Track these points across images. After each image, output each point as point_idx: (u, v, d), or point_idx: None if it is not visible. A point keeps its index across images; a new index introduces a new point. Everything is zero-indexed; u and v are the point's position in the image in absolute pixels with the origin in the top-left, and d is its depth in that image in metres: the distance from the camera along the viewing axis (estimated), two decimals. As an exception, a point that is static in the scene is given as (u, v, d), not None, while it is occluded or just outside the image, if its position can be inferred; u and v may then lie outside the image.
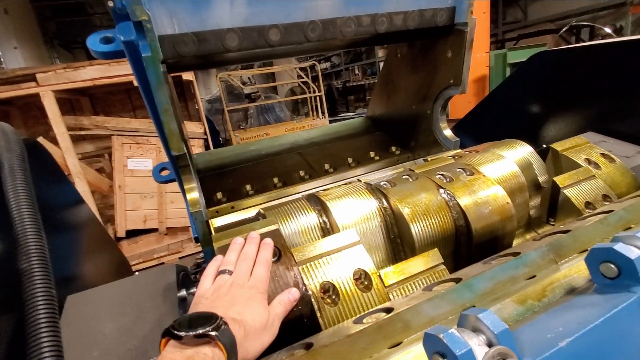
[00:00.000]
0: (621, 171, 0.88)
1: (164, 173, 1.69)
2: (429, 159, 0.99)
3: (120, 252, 1.43)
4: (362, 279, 0.57)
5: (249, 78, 9.39)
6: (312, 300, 0.53)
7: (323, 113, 6.16)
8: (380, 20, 1.07)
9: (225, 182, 1.44)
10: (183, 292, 0.70)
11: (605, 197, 0.81)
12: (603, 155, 0.92)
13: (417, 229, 0.69)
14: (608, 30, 6.07)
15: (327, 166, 1.46)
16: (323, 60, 12.34)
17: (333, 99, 11.52)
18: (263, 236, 0.63)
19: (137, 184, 4.05)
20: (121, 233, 4.01)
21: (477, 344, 0.33)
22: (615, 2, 6.54)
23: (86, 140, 4.19)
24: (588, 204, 0.79)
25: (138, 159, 4.05)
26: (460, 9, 1.18)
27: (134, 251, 4.06)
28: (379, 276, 0.57)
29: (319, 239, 0.73)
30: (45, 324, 0.46)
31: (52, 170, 1.11)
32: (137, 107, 4.51)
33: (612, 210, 0.64)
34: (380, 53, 9.74)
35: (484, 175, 0.81)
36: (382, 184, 0.79)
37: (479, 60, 5.32)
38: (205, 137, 4.12)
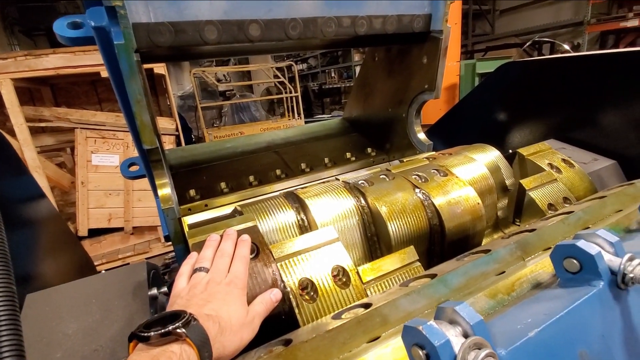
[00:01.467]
0: (580, 176, 0.94)
1: (133, 168, 1.62)
2: (404, 160, 1.02)
3: (84, 251, 1.36)
4: (341, 275, 0.57)
5: (224, 75, 9.21)
6: (291, 296, 0.52)
7: (299, 114, 6.15)
8: (360, 22, 1.09)
9: (198, 179, 1.40)
10: (154, 291, 0.67)
11: (566, 200, 0.86)
12: (564, 160, 0.98)
13: (394, 228, 0.70)
14: (566, 46, 6.51)
15: (303, 165, 1.45)
16: (300, 62, 12.33)
17: (309, 101, 11.54)
18: (240, 233, 0.62)
19: (101, 180, 3.84)
20: (83, 232, 3.78)
21: (454, 335, 0.34)
22: (573, 21, 7.02)
23: (46, 132, 3.94)
24: (550, 206, 0.84)
25: (103, 154, 3.84)
26: (436, 17, 1.22)
27: (97, 251, 3.85)
28: (357, 273, 0.58)
29: (296, 236, 0.72)
30: (6, 321, 0.42)
31: (13, 163, 1.03)
32: (104, 99, 4.28)
33: (572, 212, 0.69)
34: (357, 57, 9.87)
35: (456, 177, 0.84)
36: (360, 182, 0.80)
37: (450, 68, 5.54)
38: (177, 133, 3.99)
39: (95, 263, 3.65)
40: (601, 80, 1.27)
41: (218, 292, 0.54)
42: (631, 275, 0.42)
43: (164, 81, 4.14)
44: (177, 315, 0.46)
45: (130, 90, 0.84)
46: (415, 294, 0.48)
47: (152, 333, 0.44)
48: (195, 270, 0.58)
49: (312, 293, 0.54)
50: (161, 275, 0.83)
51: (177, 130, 4.03)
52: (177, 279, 0.59)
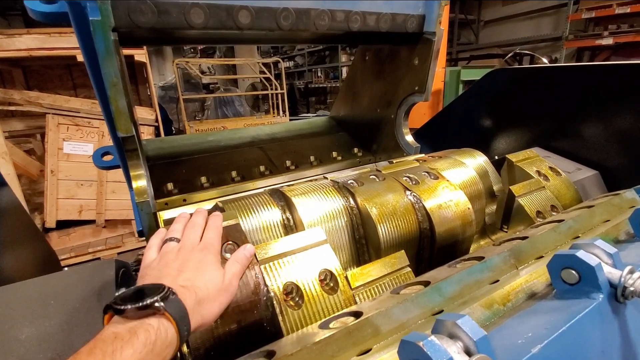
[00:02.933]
0: (566, 184, 0.95)
1: (107, 158, 1.53)
2: (394, 161, 1.00)
3: (47, 246, 1.26)
4: (328, 280, 0.54)
5: (208, 67, 9.00)
6: (274, 302, 0.48)
7: (284, 111, 6.09)
8: (354, 17, 1.06)
9: (177, 172, 1.33)
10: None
11: (553, 207, 0.86)
12: (551, 168, 0.99)
13: (384, 230, 0.67)
14: (545, 60, 6.74)
15: (288, 163, 1.41)
16: (287, 59, 12.24)
17: (294, 99, 11.47)
18: (223, 230, 0.57)
19: (73, 169, 3.65)
20: (51, 223, 3.59)
21: (456, 352, 0.31)
22: (552, 36, 7.30)
23: (16, 117, 3.71)
24: (539, 213, 0.83)
25: (76, 142, 3.66)
26: (430, 19, 1.20)
27: (65, 244, 3.66)
28: (346, 277, 0.54)
29: (281, 236, 0.68)
30: None
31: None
32: (79, 85, 4.07)
33: (563, 220, 0.68)
34: (344, 58, 9.88)
35: (447, 180, 0.82)
36: (349, 182, 0.77)
37: (436, 74, 5.61)
38: (156, 124, 3.85)
39: (63, 256, 3.48)
40: (585, 92, 1.29)
41: (191, 259, 0.52)
42: (632, 288, 0.41)
43: (145, 69, 3.99)
44: (155, 289, 0.44)
45: (105, 72, 0.78)
46: (409, 303, 0.45)
47: (130, 306, 0.42)
48: (165, 242, 0.56)
49: (297, 299, 0.50)
50: (132, 273, 0.77)
51: (156, 121, 3.89)
52: (146, 251, 0.56)
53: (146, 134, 3.81)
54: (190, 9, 0.83)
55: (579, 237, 0.65)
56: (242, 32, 0.95)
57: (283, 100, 6.02)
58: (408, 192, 0.76)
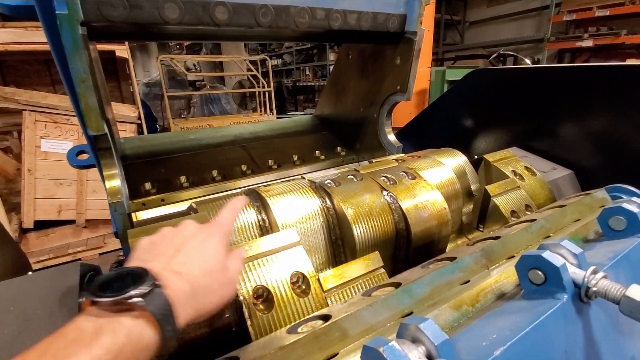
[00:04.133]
0: (540, 184, 0.96)
1: (82, 157, 1.48)
2: (374, 161, 0.99)
3: (16, 248, 1.21)
4: (300, 282, 0.53)
5: (194, 64, 8.86)
6: (243, 306, 0.47)
7: (271, 110, 6.04)
8: (335, 16, 1.05)
9: (156, 171, 1.30)
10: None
11: (527, 207, 0.87)
12: (526, 168, 1.00)
13: (360, 231, 0.67)
14: (528, 61, 6.89)
15: (271, 162, 1.40)
16: (274, 57, 12.15)
17: (282, 97, 11.40)
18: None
19: (51, 168, 3.54)
20: (28, 224, 3.48)
21: (417, 357, 0.31)
22: (535, 38, 7.46)
23: (-10, 113, 3.57)
24: (513, 212, 0.84)
25: (55, 140, 3.55)
26: (411, 18, 1.21)
27: (44, 245, 3.55)
28: (318, 280, 0.54)
29: (256, 237, 0.67)
30: None
31: None
32: (58, 81, 3.95)
33: (535, 220, 0.69)
34: (332, 56, 9.87)
35: (424, 180, 0.82)
36: (326, 182, 0.76)
37: (421, 74, 5.66)
38: (139, 122, 3.77)
39: (42, 258, 3.37)
40: (561, 93, 1.32)
41: (193, 237, 0.46)
42: (594, 289, 0.41)
43: (127, 65, 3.89)
44: (137, 276, 0.39)
45: (73, 68, 0.75)
46: (378, 305, 0.44)
47: (103, 299, 0.36)
48: None
49: (267, 302, 0.50)
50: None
51: (139, 118, 3.80)
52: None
53: (128, 131, 3.73)
54: (164, 4, 0.81)
55: (550, 236, 0.66)
56: (220, 29, 0.94)
57: (270, 99, 5.98)
58: (385, 192, 0.76)
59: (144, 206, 1.16)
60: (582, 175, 1.22)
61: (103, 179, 0.94)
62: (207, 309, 0.43)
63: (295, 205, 0.69)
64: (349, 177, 0.80)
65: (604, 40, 6.04)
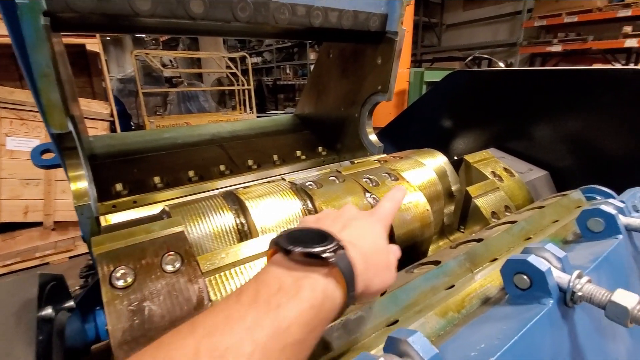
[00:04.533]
0: (518, 185, 0.98)
1: (47, 156, 1.39)
2: (355, 162, 0.98)
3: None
4: (280, 291, 0.50)
5: (170, 60, 8.61)
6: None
7: (251, 108, 5.95)
8: (316, 13, 1.03)
9: (128, 171, 1.23)
10: (49, 311, 0.54)
11: (507, 208, 0.88)
12: (505, 169, 1.02)
13: (342, 235, 0.65)
14: (502, 64, 7.12)
15: (250, 162, 1.36)
16: (254, 55, 12.00)
17: (262, 96, 11.28)
18: (164, 240, 0.52)
19: (17, 167, 3.35)
20: (-7, 226, 3.27)
21: (405, 374, 0.29)
22: (508, 42, 7.73)
23: (-50, 109, 3.33)
24: (493, 214, 0.85)
25: (21, 138, 3.36)
26: (392, 18, 1.20)
27: (10, 248, 3.34)
28: (300, 287, 0.51)
29: (234, 243, 0.64)
30: None
31: None
32: (23, 75, 3.72)
33: (515, 221, 0.69)
34: (312, 55, 9.85)
35: (407, 182, 0.81)
36: (307, 184, 0.74)
37: (401, 75, 5.74)
38: (111, 119, 3.61)
39: (9, 262, 3.17)
40: (536, 95, 1.35)
41: (358, 217, 0.45)
42: (580, 293, 0.41)
43: (99, 60, 3.72)
44: (323, 236, 0.38)
45: (34, 62, 0.70)
46: (363, 314, 0.42)
47: (297, 249, 0.36)
48: None
49: (245, 313, 0.46)
50: (66, 285, 0.69)
51: (112, 115, 3.64)
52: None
53: (100, 129, 3.56)
54: (134, -6, 0.76)
55: (530, 238, 0.67)
56: (196, 22, 0.89)
57: (250, 97, 5.89)
58: (368, 194, 0.74)
59: (115, 208, 1.10)
60: (556, 176, 1.25)
61: (69, 180, 0.88)
62: (373, 289, 0.41)
63: (276, 208, 0.67)
64: (330, 178, 0.78)
65: (572, 46, 6.33)
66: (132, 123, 6.07)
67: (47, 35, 0.70)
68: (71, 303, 0.68)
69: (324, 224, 0.43)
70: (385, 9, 1.17)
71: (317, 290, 0.34)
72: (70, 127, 0.79)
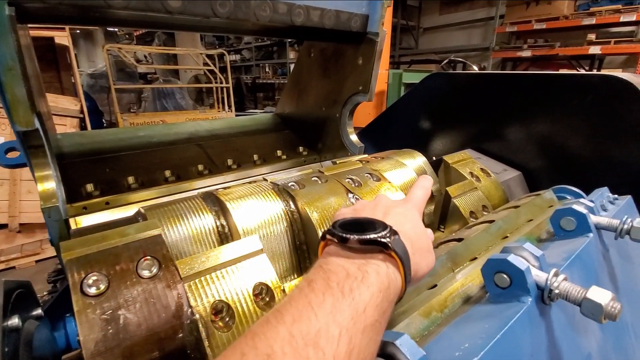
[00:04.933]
0: (495, 185, 1.01)
1: (12, 155, 1.31)
2: (337, 162, 0.98)
3: None
4: (264, 294, 0.49)
5: (145, 56, 8.33)
6: (200, 325, 0.42)
7: (230, 107, 5.85)
8: (297, 11, 1.02)
9: (100, 171, 1.18)
10: (15, 321, 0.50)
11: (484, 207, 0.91)
12: (482, 169, 1.05)
13: (325, 236, 0.65)
14: (475, 68, 7.36)
15: (230, 162, 1.33)
16: (233, 52, 11.80)
17: (241, 94, 11.11)
18: (141, 243, 0.49)
19: (-24, 167, 3.12)
20: (-51, 229, 3.04)
21: (393, 377, 0.29)
22: (481, 46, 8.01)
23: None
24: (472, 213, 0.87)
25: (-18, 136, 3.15)
26: (373, 19, 1.21)
27: (-26, 252, 3.14)
28: (283, 290, 0.50)
29: (215, 246, 0.62)
30: None
31: None
32: (-17, 68, 3.49)
33: (493, 221, 0.71)
34: (292, 54, 9.80)
35: (389, 182, 0.82)
36: (290, 184, 0.73)
37: (380, 76, 5.81)
38: (81, 115, 3.44)
39: (-29, 267, 2.97)
40: (508, 98, 1.40)
41: (394, 206, 0.46)
42: (557, 291, 0.42)
43: (68, 54, 3.54)
44: (375, 224, 0.38)
45: (-2, 54, 0.65)
46: (348, 316, 0.42)
47: (354, 236, 0.36)
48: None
49: (227, 319, 0.45)
50: (33, 292, 0.65)
51: (81, 112, 3.48)
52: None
53: (69, 126, 3.39)
54: (106, -15, 0.72)
55: (507, 237, 0.69)
56: (174, 17, 0.86)
57: (229, 95, 5.78)
58: (350, 195, 0.74)
59: (85, 210, 1.05)
60: (529, 177, 1.30)
61: (35, 180, 0.83)
62: (420, 272, 0.42)
63: (257, 210, 0.65)
64: (313, 179, 0.77)
65: (541, 51, 6.62)
66: (104, 120, 5.83)
67: (12, 26, 0.66)
68: (39, 311, 0.64)
69: (365, 214, 0.44)
70: (366, 10, 1.18)
71: (382, 274, 0.35)
72: (37, 125, 0.75)
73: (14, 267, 3.27)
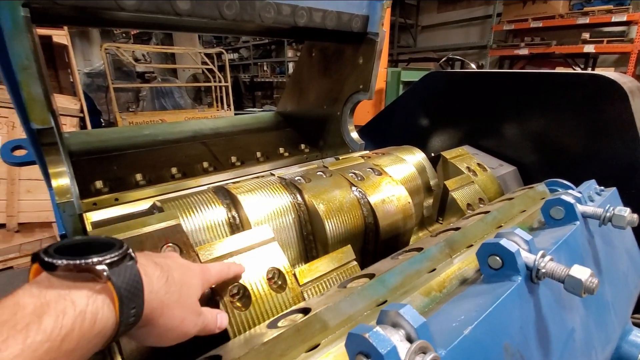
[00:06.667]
0: (491, 179, 1.05)
1: (19, 153, 1.34)
2: (340, 158, 1.02)
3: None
4: (276, 278, 0.53)
5: (143, 55, 8.32)
6: (220, 305, 0.46)
7: (228, 105, 5.87)
8: (300, 13, 1.05)
9: (107, 169, 1.21)
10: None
11: (481, 200, 0.95)
12: (479, 165, 1.09)
13: (331, 226, 0.69)
14: (473, 66, 7.41)
15: (234, 159, 1.37)
16: (231, 51, 11.79)
17: (239, 92, 11.12)
18: (161, 232, 0.53)
19: (-24, 166, 3.14)
20: (-52, 229, 3.06)
21: (399, 340, 0.33)
22: (479, 45, 8.06)
23: None
24: (469, 205, 0.91)
25: (-20, 135, 3.16)
26: (373, 20, 1.25)
27: (-28, 252, 3.15)
28: (294, 275, 0.54)
29: (226, 236, 0.66)
30: None
31: None
32: (-18, 67, 3.49)
33: (488, 212, 0.75)
34: (290, 53, 9.82)
35: (390, 176, 0.86)
36: (296, 179, 0.76)
37: (378, 74, 5.85)
38: (81, 115, 3.46)
39: (-31, 266, 2.98)
40: (504, 96, 1.44)
41: (175, 258, 0.43)
42: (543, 270, 0.47)
43: (66, 53, 3.56)
44: (109, 246, 0.33)
45: (14, 54, 0.68)
46: (355, 296, 0.46)
47: (61, 262, 0.30)
48: None
49: (244, 299, 0.49)
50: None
51: (81, 111, 3.50)
52: None
53: (69, 125, 3.41)
54: (120, -11, 0.76)
55: (501, 226, 0.73)
56: (182, 19, 0.90)
57: (227, 94, 5.80)
58: (354, 188, 0.78)
59: (95, 206, 1.08)
60: (523, 171, 1.35)
61: (48, 177, 0.87)
62: (182, 328, 0.38)
63: (267, 202, 0.69)
64: (318, 173, 0.81)
65: (537, 50, 6.68)
66: (102, 120, 5.83)
67: (28, 27, 0.69)
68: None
69: (142, 254, 0.40)
70: (366, 11, 1.22)
71: (68, 315, 0.29)
72: (52, 122, 0.78)
73: (12, 267, 3.28)
